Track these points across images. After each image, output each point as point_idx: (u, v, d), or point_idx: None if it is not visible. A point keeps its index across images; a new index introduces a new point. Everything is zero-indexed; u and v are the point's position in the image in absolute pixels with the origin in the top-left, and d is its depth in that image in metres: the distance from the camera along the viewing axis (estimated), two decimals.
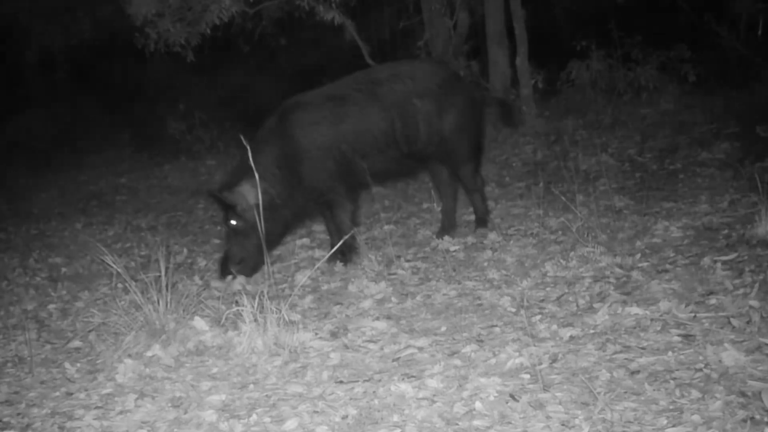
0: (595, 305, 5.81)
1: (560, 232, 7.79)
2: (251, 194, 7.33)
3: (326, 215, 8.01)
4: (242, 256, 7.43)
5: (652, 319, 5.39)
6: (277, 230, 7.62)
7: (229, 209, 7.47)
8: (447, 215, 8.45)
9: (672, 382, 4.47)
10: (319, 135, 7.60)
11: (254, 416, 4.70)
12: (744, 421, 3.95)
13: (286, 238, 8.67)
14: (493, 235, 7.99)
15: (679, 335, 5.11)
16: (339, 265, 7.71)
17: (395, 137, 7.61)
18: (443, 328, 5.82)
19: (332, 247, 7.62)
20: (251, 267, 7.40)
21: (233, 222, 7.47)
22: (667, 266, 6.45)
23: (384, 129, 7.60)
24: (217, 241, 9.56)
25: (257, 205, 6.95)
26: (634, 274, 6.34)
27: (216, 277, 7.59)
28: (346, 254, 7.75)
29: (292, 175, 7.57)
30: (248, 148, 6.84)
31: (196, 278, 7.76)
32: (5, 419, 5.18)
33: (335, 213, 7.81)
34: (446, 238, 8.10)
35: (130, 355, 5.85)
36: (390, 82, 7.80)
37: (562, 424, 4.15)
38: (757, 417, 3.96)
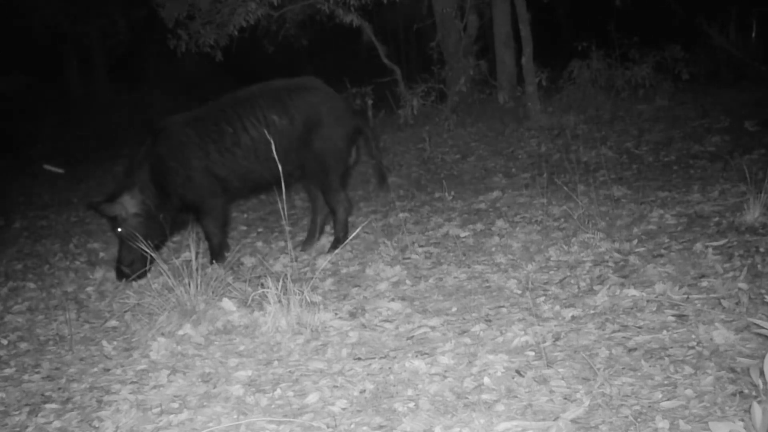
0: (595, 287, 5.80)
1: (563, 220, 7.78)
2: (131, 204, 7.57)
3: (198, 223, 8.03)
4: (131, 259, 7.50)
5: (648, 301, 5.38)
6: (156, 235, 7.63)
7: (112, 219, 7.60)
8: (312, 228, 8.37)
9: (667, 358, 4.47)
10: (182, 154, 7.62)
11: (278, 390, 4.71)
12: (733, 395, 3.95)
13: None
14: (500, 222, 7.98)
15: (673, 315, 5.10)
16: (353, 251, 7.72)
17: (257, 155, 7.49)
18: (454, 309, 5.81)
19: (211, 251, 7.88)
20: (140, 268, 7.43)
21: (119, 229, 7.57)
22: (662, 251, 6.43)
23: (248, 146, 7.52)
24: (243, 227, 9.59)
25: (137, 214, 7.44)
26: (632, 258, 6.33)
27: (115, 278, 7.72)
28: (215, 255, 7.81)
29: (164, 188, 7.63)
30: (128, 164, 7.51)
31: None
32: (47, 393, 5.20)
33: (203, 223, 7.85)
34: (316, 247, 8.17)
35: (163, 334, 5.87)
36: (252, 101, 7.68)
37: (565, 398, 4.15)
38: (746, 391, 3.95)
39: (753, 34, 16.68)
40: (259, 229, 9.41)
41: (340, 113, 7.86)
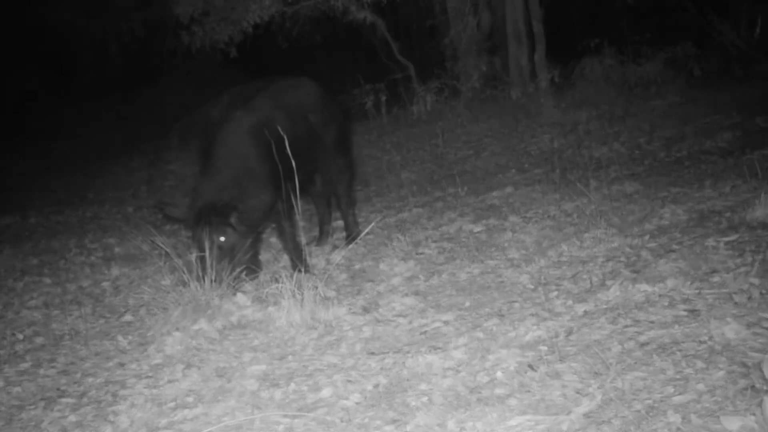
0: (608, 282, 5.79)
1: (575, 215, 7.76)
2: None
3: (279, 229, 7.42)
4: (249, 264, 6.64)
5: (660, 295, 5.37)
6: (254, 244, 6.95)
7: (227, 227, 6.55)
8: (321, 226, 8.31)
9: (678, 353, 4.46)
10: (258, 154, 6.85)
11: (292, 385, 4.72)
12: (745, 389, 3.94)
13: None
14: (513, 218, 7.97)
15: (684, 310, 5.09)
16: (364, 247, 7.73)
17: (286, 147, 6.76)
18: (467, 304, 5.82)
19: (296, 259, 7.18)
20: (255, 270, 6.73)
21: (223, 238, 6.51)
22: (674, 246, 6.42)
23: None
24: None
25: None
26: (644, 253, 6.32)
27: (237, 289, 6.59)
28: (301, 261, 7.16)
29: (254, 190, 6.83)
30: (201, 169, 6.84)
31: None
32: (63, 388, 5.22)
33: (283, 230, 7.23)
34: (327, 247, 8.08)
35: (177, 329, 5.87)
36: (263, 94, 7.31)
37: (577, 392, 4.15)
38: (757, 386, 3.94)
39: (758, 30, 16.63)
40: (273, 225, 9.42)
41: (339, 110, 8.14)
